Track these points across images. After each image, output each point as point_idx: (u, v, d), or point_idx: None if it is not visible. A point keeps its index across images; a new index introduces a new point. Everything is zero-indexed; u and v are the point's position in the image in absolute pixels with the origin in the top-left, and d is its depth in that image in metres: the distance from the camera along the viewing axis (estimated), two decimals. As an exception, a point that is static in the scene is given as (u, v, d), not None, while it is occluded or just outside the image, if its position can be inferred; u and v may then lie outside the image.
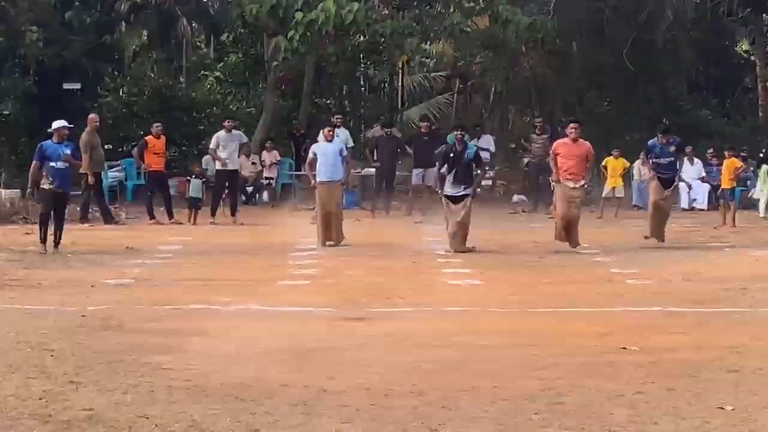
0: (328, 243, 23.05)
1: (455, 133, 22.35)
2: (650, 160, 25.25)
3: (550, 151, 23.67)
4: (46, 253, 21.80)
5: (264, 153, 36.23)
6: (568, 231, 21.69)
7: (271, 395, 11.05)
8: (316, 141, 33.69)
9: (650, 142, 25.84)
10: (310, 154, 24.31)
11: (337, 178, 23.37)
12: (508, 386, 11.51)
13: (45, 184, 20.47)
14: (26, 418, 9.92)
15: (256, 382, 11.64)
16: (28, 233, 26.93)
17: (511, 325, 15.24)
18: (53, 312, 15.77)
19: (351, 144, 32.90)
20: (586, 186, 20.94)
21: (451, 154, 20.70)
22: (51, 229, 21.96)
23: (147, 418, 10.06)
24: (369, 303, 17.14)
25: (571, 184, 21.28)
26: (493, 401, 10.75)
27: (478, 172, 22.96)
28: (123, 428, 9.72)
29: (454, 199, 20.87)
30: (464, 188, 20.96)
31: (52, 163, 20.14)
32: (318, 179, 22.80)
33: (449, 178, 20.80)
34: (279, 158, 36.88)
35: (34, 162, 21.82)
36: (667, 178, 24.95)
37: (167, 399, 10.88)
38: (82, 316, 15.59)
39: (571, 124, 22.14)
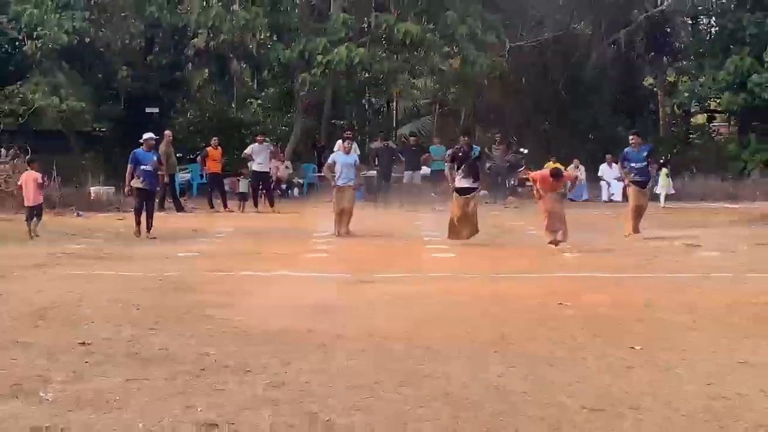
0: (341, 232, 22.20)
1: (462, 138, 21.01)
2: (626, 167, 23.69)
3: (530, 177, 22.33)
4: (140, 236, 21.58)
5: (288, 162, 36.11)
6: (555, 223, 20.03)
7: (299, 338, 11.17)
8: (333, 151, 33.76)
9: (625, 150, 24.06)
10: (330, 161, 23.53)
11: (351, 183, 22.61)
12: (477, 334, 11.62)
13: (137, 183, 20.41)
14: (118, 355, 10.09)
15: (288, 329, 11.77)
16: (120, 219, 26.91)
17: (478, 288, 15.34)
18: (138, 277, 15.92)
19: (358, 152, 32.75)
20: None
21: (460, 154, 19.70)
22: (142, 218, 21.81)
23: (207, 354, 10.18)
24: (372, 271, 17.18)
25: (549, 194, 19.88)
26: (465, 345, 10.81)
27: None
28: (189, 362, 9.85)
29: (464, 191, 19.60)
30: (473, 182, 19.80)
31: (142, 167, 20.13)
32: (337, 183, 22.15)
33: (459, 174, 19.66)
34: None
35: (129, 166, 21.50)
36: (642, 180, 23.36)
37: (221, 341, 10.99)
38: (159, 280, 15.72)
39: (552, 159, 21.33)
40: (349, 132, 23.13)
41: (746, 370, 9.71)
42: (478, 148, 19.57)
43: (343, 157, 22.70)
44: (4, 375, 9.23)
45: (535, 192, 19.73)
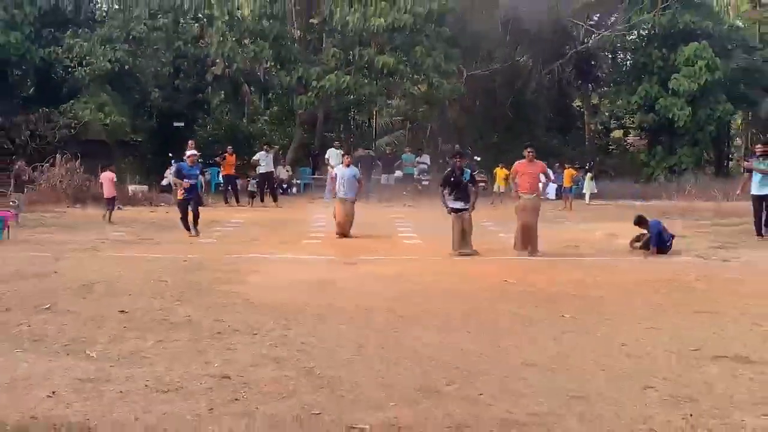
0: (341, 236, 19.81)
1: (454, 160, 17.47)
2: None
3: (511, 171, 18.63)
4: (195, 235, 19.63)
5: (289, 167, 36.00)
6: (527, 237, 16.89)
7: (296, 309, 11.17)
8: (325, 158, 33.76)
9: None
10: (333, 173, 21.59)
11: (351, 196, 20.03)
12: (445, 306, 11.65)
13: (180, 196, 19.11)
14: (150, 322, 10.03)
15: (288, 301, 11.73)
16: (152, 212, 26.83)
17: (443, 268, 15.31)
18: (167, 259, 15.80)
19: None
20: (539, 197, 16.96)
21: (452, 178, 16.80)
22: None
23: (222, 321, 10.19)
24: (356, 254, 17.16)
25: (525, 196, 17.03)
26: (435, 315, 10.82)
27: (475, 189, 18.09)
28: (207, 327, 9.87)
29: (457, 210, 16.72)
30: (464, 204, 16.83)
31: (186, 180, 18.83)
32: (338, 195, 20.14)
33: (452, 197, 16.87)
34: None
35: (173, 178, 21.08)
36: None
37: (234, 310, 10.96)
38: (184, 261, 15.67)
39: (528, 148, 17.54)
40: (336, 142, 20.81)
41: (653, 333, 9.75)
42: (469, 171, 17.08)
43: (342, 171, 20.30)
44: (58, 336, 9.20)
45: (513, 191, 17.21)
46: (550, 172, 20.38)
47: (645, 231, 17.72)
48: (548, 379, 7.81)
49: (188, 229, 19.52)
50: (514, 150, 39.28)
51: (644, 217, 17.90)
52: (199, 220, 19.91)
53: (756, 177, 19.21)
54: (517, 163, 17.75)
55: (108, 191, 24.28)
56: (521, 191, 16.65)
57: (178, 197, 19.23)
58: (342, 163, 20.39)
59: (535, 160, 17.48)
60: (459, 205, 16.90)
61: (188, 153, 20.05)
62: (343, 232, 19.76)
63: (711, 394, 7.33)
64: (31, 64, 34.46)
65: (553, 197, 34.68)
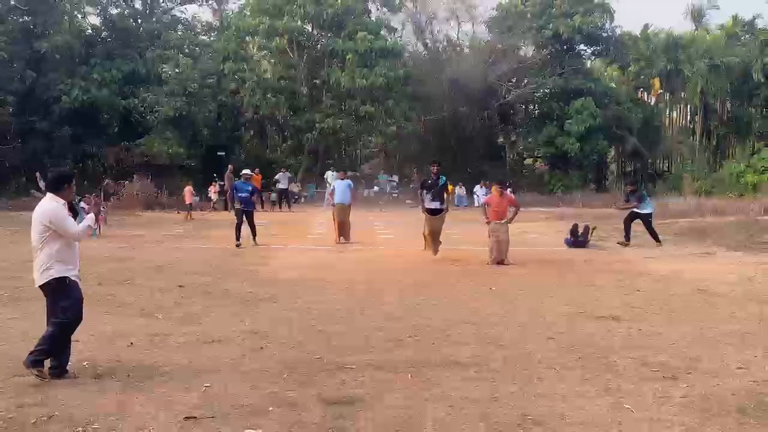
0: (341, 241, 17.37)
1: (432, 167, 15.03)
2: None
3: (483, 201, 16.38)
4: (240, 247, 16.30)
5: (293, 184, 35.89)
6: (500, 252, 13.99)
7: (303, 283, 11.15)
8: (324, 177, 33.66)
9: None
10: (331, 187, 19.15)
11: (346, 202, 17.80)
12: (406, 280, 11.55)
13: (237, 206, 17.16)
14: (200, 293, 9.98)
15: (297, 278, 11.69)
16: (202, 216, 26.60)
17: (409, 254, 15.20)
18: (212, 248, 15.68)
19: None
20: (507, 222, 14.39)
21: (429, 182, 14.75)
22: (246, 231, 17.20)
23: (251, 292, 10.15)
24: (345, 245, 17.03)
25: (496, 222, 14.14)
26: (400, 286, 10.75)
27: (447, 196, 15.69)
28: (240, 297, 9.82)
29: (433, 212, 14.49)
30: (439, 204, 14.59)
31: (240, 194, 17.10)
32: (335, 202, 17.75)
33: (428, 198, 14.57)
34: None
35: (230, 192, 19.98)
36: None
37: (259, 284, 10.95)
38: (224, 250, 15.52)
39: (495, 185, 15.38)
40: (330, 163, 19.37)
41: (553, 300, 9.80)
42: (444, 178, 15.04)
43: (338, 182, 18.21)
44: (136, 303, 9.15)
45: (484, 216, 14.64)
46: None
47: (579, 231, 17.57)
48: (479, 333, 7.84)
49: (238, 237, 16.71)
50: (457, 173, 39.57)
51: (577, 225, 17.68)
52: (255, 230, 17.20)
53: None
54: (490, 196, 15.52)
55: (188, 199, 26.00)
56: (493, 219, 14.22)
57: (236, 206, 17.37)
58: (338, 178, 18.75)
59: (504, 193, 15.15)
60: (435, 205, 14.53)
61: (243, 172, 18.37)
62: (342, 233, 17.44)
63: (593, 343, 7.39)
64: (116, 111, 34.37)
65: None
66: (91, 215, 6.60)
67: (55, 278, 5.92)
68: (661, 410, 5.36)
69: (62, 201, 6.06)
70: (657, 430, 4.94)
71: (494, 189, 15.19)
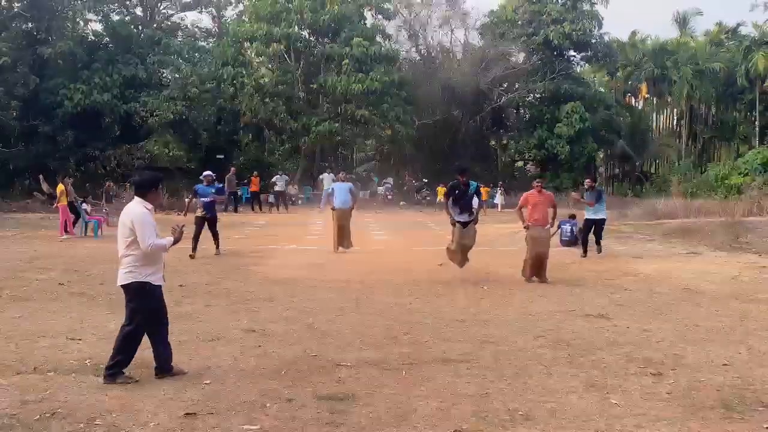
0: (340, 249, 15.33)
1: (458, 176, 12.16)
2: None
3: (520, 200, 12.77)
4: (194, 259, 13.82)
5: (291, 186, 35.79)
6: (538, 266, 11.63)
7: (300, 283, 11.15)
8: (320, 179, 33.58)
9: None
10: (329, 189, 16.89)
11: (347, 206, 15.53)
12: (398, 279, 11.57)
13: (198, 213, 14.62)
14: (200, 292, 9.99)
15: (294, 278, 11.70)
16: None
17: (398, 254, 15.22)
18: (212, 249, 15.44)
19: (334, 179, 32.61)
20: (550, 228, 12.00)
21: (457, 191, 12.11)
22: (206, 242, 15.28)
23: (249, 291, 10.16)
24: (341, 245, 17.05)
25: (537, 227, 11.69)
26: (391, 285, 10.76)
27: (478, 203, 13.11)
28: (239, 296, 9.79)
29: (464, 224, 11.91)
30: (469, 215, 12.08)
31: (202, 199, 14.56)
32: (335, 205, 15.45)
33: (455, 208, 11.98)
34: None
35: (190, 196, 15.76)
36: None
37: (257, 283, 10.94)
38: (224, 250, 15.37)
39: (536, 181, 12.69)
40: (325, 163, 17.17)
41: (542, 299, 9.83)
42: (476, 184, 12.42)
43: (338, 185, 16.12)
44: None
45: (521, 220, 12.18)
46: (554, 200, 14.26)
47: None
48: (470, 330, 7.87)
49: (194, 248, 14.17)
50: (449, 175, 39.54)
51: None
52: (219, 240, 15.14)
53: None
54: (527, 193, 12.35)
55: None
56: (532, 222, 11.69)
57: (196, 214, 14.72)
58: (337, 180, 16.69)
59: (543, 191, 12.34)
60: (464, 217, 12.07)
61: (204, 174, 15.53)
62: (341, 241, 15.30)
63: (581, 340, 7.42)
64: (118, 115, 34.22)
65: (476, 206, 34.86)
66: (170, 238, 6.21)
67: (136, 282, 5.82)
68: (646, 405, 5.38)
69: (150, 205, 6.00)
70: (643, 425, 4.96)
71: (534, 186, 12.33)
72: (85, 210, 19.44)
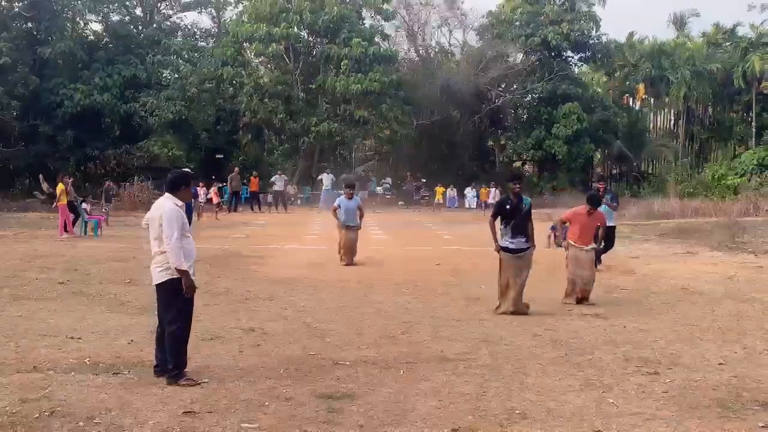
0: (348, 264, 13.39)
1: (511, 185, 9.56)
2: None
3: (564, 216, 10.68)
4: None
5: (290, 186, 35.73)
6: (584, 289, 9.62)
7: (299, 282, 11.13)
8: (319, 179, 33.49)
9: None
10: (336, 204, 14.23)
11: (354, 224, 13.68)
12: (395, 278, 11.53)
13: None
14: (199, 291, 9.76)
15: (294, 277, 11.68)
16: (199, 216, 26.53)
17: (396, 253, 15.19)
18: (211, 248, 15.46)
19: (333, 179, 32.56)
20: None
21: (507, 206, 9.30)
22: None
23: (249, 291, 10.14)
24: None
25: (582, 247, 9.69)
26: (390, 285, 10.73)
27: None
28: (238, 295, 9.79)
29: (514, 252, 9.08)
30: (524, 240, 9.12)
31: None
32: (342, 224, 13.57)
33: (506, 231, 9.25)
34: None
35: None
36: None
37: (257, 283, 10.93)
38: (222, 249, 15.43)
39: (589, 205, 9.85)
40: (350, 188, 13.44)
41: (540, 298, 9.80)
42: (529, 200, 9.48)
43: (345, 202, 13.99)
44: (135, 302, 9.09)
45: (561, 240, 10.95)
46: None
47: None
48: (467, 329, 7.87)
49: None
50: (447, 175, 39.56)
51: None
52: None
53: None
54: (574, 211, 10.16)
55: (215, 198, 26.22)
56: (575, 241, 9.75)
57: None
58: (345, 195, 14.22)
59: (597, 210, 9.96)
60: (517, 243, 8.91)
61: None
62: (349, 259, 13.59)
63: (578, 339, 7.43)
64: (118, 115, 34.20)
65: (474, 206, 34.85)
66: (186, 269, 5.78)
67: (171, 279, 5.71)
68: (643, 404, 5.39)
69: (180, 202, 5.89)
70: (639, 424, 4.97)
71: (586, 209, 9.86)
72: (85, 209, 19.42)
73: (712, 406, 5.33)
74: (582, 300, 9.58)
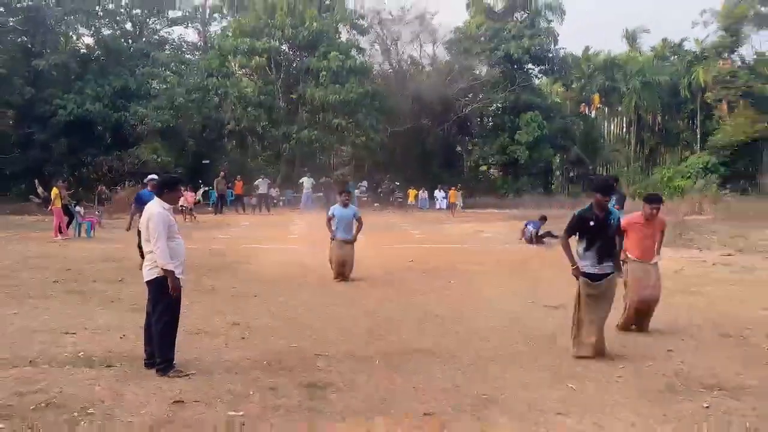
0: (341, 279, 10.99)
1: (597, 198, 6.28)
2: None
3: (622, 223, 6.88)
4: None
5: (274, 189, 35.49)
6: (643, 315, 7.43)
7: (282, 281, 11.06)
8: (300, 182, 33.24)
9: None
10: (330, 213, 11.53)
11: (349, 237, 11.21)
12: (375, 275, 11.45)
13: (136, 226, 10.54)
14: (186, 289, 9.62)
15: (279, 275, 11.59)
16: (187, 220, 26.20)
17: (376, 252, 15.12)
18: (198, 248, 15.24)
19: (311, 187, 32.34)
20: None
21: (591, 222, 6.25)
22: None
23: (234, 288, 10.02)
24: (321, 244, 16.84)
25: (641, 263, 7.47)
26: (371, 281, 10.65)
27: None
28: (224, 292, 9.71)
29: (596, 278, 6.28)
30: (607, 264, 6.31)
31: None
32: (336, 236, 11.18)
33: (587, 254, 6.30)
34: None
35: (133, 206, 12.11)
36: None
37: (242, 281, 10.83)
38: (209, 249, 15.25)
39: (651, 204, 7.34)
40: (347, 193, 11.36)
41: (505, 291, 9.86)
42: (618, 213, 6.60)
43: (340, 210, 11.39)
44: (126, 299, 8.95)
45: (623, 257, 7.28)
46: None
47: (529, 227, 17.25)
48: (441, 323, 7.87)
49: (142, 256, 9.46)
50: (418, 178, 39.58)
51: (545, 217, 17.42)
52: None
53: None
54: (632, 219, 7.47)
55: (188, 202, 25.34)
56: (632, 254, 7.48)
57: (140, 223, 9.58)
58: (340, 203, 11.56)
59: (658, 216, 7.48)
60: (603, 267, 6.38)
61: (148, 177, 12.33)
62: (341, 277, 11.10)
63: (542, 330, 7.46)
64: (109, 123, 33.68)
65: (444, 207, 34.91)
66: (174, 269, 5.79)
67: (159, 277, 5.71)
68: (600, 388, 5.44)
69: (167, 205, 5.86)
70: (596, 406, 5.01)
71: (648, 210, 7.40)
72: (79, 212, 19.14)
73: (662, 390, 5.40)
74: (643, 323, 7.38)
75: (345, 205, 11.38)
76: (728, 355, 6.51)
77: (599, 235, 6.32)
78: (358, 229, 11.38)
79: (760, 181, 37.34)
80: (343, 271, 11.08)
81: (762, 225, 19.68)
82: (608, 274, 6.37)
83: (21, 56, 32.73)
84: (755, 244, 15.92)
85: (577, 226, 6.42)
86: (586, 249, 6.38)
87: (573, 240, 6.54)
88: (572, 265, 6.43)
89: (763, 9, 43.83)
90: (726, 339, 7.17)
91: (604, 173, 51.57)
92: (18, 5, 33.17)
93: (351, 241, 11.26)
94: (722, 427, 4.71)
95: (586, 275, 6.36)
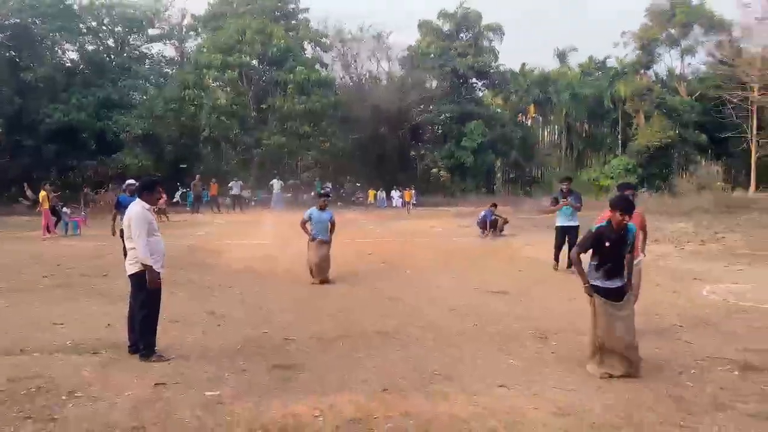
0: (320, 280, 9.87)
1: (614, 214, 5.23)
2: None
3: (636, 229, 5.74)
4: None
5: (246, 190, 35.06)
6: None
7: (252, 273, 10.98)
8: (270, 184, 32.83)
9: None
10: (306, 216, 10.46)
11: (326, 239, 10.15)
12: (341, 267, 11.36)
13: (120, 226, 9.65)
14: (164, 282, 9.34)
15: (248, 269, 11.48)
16: (163, 220, 25.67)
17: (343, 248, 15.02)
18: (175, 244, 14.87)
19: (280, 188, 32.01)
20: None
21: (607, 243, 5.19)
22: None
23: (209, 280, 9.79)
24: (289, 240, 16.55)
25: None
26: (337, 273, 10.58)
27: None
28: (199, 284, 9.55)
29: (610, 293, 5.21)
30: (619, 279, 5.27)
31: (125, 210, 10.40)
32: (313, 237, 10.12)
33: (597, 272, 5.27)
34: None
35: (114, 211, 11.11)
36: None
37: (216, 274, 10.71)
38: (187, 246, 14.91)
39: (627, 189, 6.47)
40: (325, 197, 10.47)
41: (455, 279, 9.92)
42: (634, 227, 5.37)
43: (317, 214, 10.39)
44: (111, 291, 8.71)
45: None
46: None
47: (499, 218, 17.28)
48: (399, 307, 7.89)
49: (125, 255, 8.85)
50: (377, 180, 39.53)
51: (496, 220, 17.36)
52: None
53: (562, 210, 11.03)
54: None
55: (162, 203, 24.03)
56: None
57: (122, 227, 8.67)
58: (319, 206, 10.52)
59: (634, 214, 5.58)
60: (612, 282, 5.31)
61: (127, 182, 11.48)
62: (322, 277, 10.02)
63: (487, 312, 7.55)
64: (93, 131, 32.75)
65: (400, 205, 34.95)
66: (152, 264, 5.64)
67: (139, 271, 5.60)
68: (538, 362, 5.52)
69: (147, 205, 5.76)
70: (534, 377, 5.09)
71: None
72: (66, 213, 18.62)
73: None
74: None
75: (322, 209, 10.49)
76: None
77: (612, 254, 5.34)
78: (332, 231, 10.49)
79: (671, 181, 38.42)
80: (324, 272, 10.06)
81: (674, 219, 20.29)
82: (619, 287, 5.33)
83: (9, 69, 31.71)
84: (668, 236, 16.38)
85: (592, 244, 5.40)
86: (596, 268, 5.40)
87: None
88: (584, 283, 5.39)
89: (673, 31, 45.15)
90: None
91: (538, 175, 52.45)
92: (6, 22, 32.19)
93: (328, 242, 10.32)
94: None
95: (604, 291, 5.32)
